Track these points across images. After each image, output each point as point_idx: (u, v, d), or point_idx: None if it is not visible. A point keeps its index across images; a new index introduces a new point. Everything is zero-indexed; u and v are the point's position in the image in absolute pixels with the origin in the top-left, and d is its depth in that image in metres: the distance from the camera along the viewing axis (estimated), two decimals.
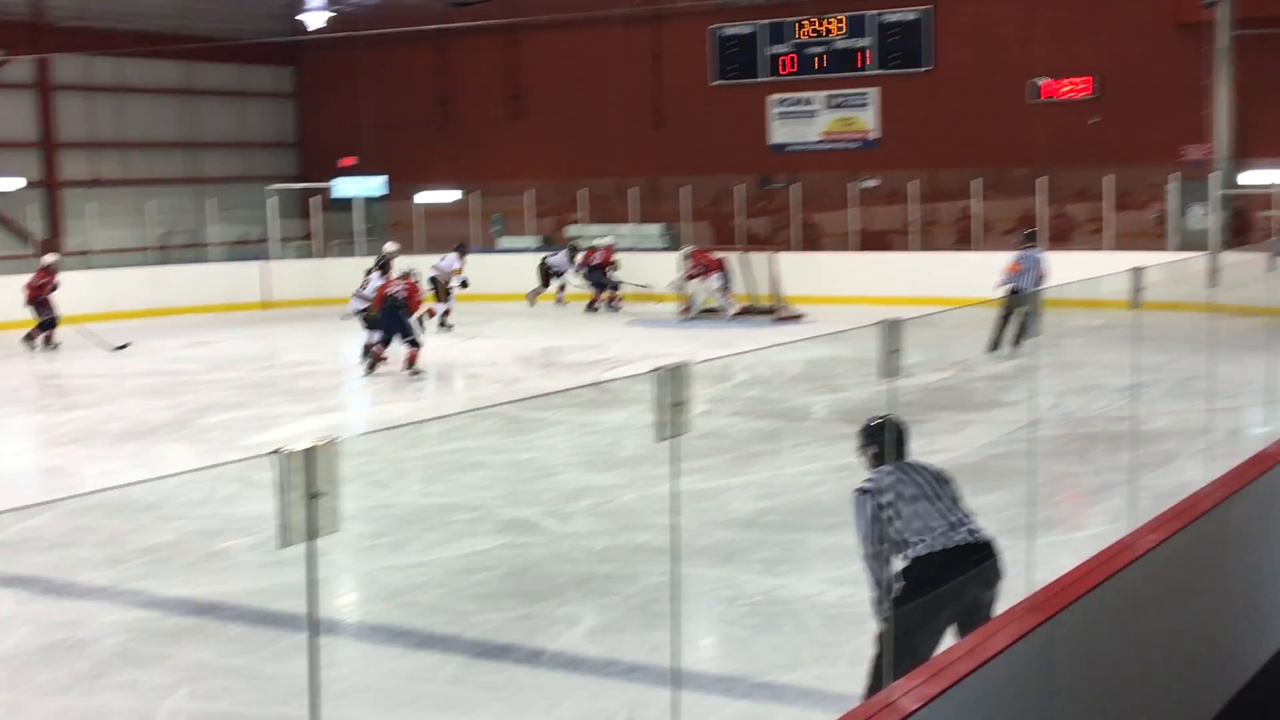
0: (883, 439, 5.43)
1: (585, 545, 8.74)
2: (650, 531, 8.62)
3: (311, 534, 2.60)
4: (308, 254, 27.66)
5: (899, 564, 5.26)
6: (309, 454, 2.57)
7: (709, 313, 21.26)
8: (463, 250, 22.15)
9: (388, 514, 9.55)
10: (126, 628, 7.40)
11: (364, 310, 17.14)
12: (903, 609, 5.20)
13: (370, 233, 27.72)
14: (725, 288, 21.20)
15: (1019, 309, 14.88)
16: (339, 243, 27.96)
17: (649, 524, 8.81)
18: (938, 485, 5.38)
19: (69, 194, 27.80)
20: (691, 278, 21.22)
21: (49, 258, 20.50)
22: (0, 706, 6.41)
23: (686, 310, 21.37)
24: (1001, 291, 15.73)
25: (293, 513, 2.56)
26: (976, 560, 5.25)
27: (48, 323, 19.53)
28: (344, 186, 27.64)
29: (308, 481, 2.57)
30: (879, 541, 5.22)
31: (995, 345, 15.47)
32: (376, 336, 16.45)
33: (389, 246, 19.13)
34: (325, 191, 27.98)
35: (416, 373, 16.10)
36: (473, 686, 6.37)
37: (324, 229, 27.87)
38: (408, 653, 6.86)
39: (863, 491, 5.30)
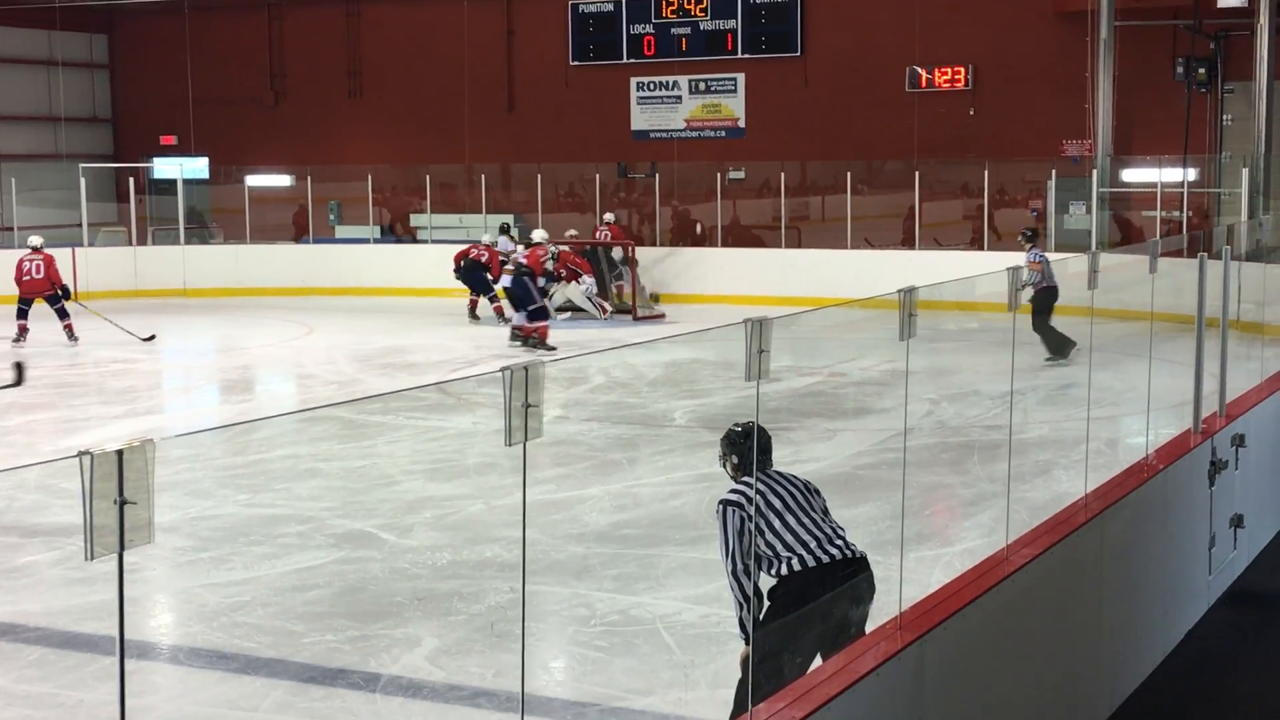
0: (747, 447, 5.41)
1: (427, 560, 8.67)
2: (498, 545, 8.61)
3: (121, 546, 2.53)
4: (124, 241, 27.00)
5: (767, 580, 5.29)
6: (119, 456, 2.50)
7: (575, 311, 21.18)
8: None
9: (208, 526, 9.38)
10: None
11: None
12: (769, 627, 5.24)
13: (192, 218, 27.21)
14: (596, 289, 21.15)
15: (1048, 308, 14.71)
16: (159, 229, 27.36)
17: (497, 537, 8.80)
18: (807, 497, 5.43)
19: None
20: (559, 279, 20.99)
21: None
22: None
23: (561, 310, 21.23)
24: (1030, 293, 15.18)
25: (101, 522, 2.48)
26: (848, 576, 5.30)
27: None
28: (164, 167, 27.09)
29: (118, 488, 2.50)
30: (745, 557, 5.22)
31: (1062, 346, 14.79)
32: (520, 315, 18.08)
33: (537, 234, 20.26)
34: (143, 173, 27.37)
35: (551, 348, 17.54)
36: (302, 714, 6.28)
37: (139, 213, 27.25)
38: (229, 678, 6.74)
39: (728, 503, 5.29)
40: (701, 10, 26.14)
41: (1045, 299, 15.11)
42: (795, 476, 5.54)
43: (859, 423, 13.06)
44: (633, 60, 26.79)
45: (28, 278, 18.70)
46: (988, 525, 8.29)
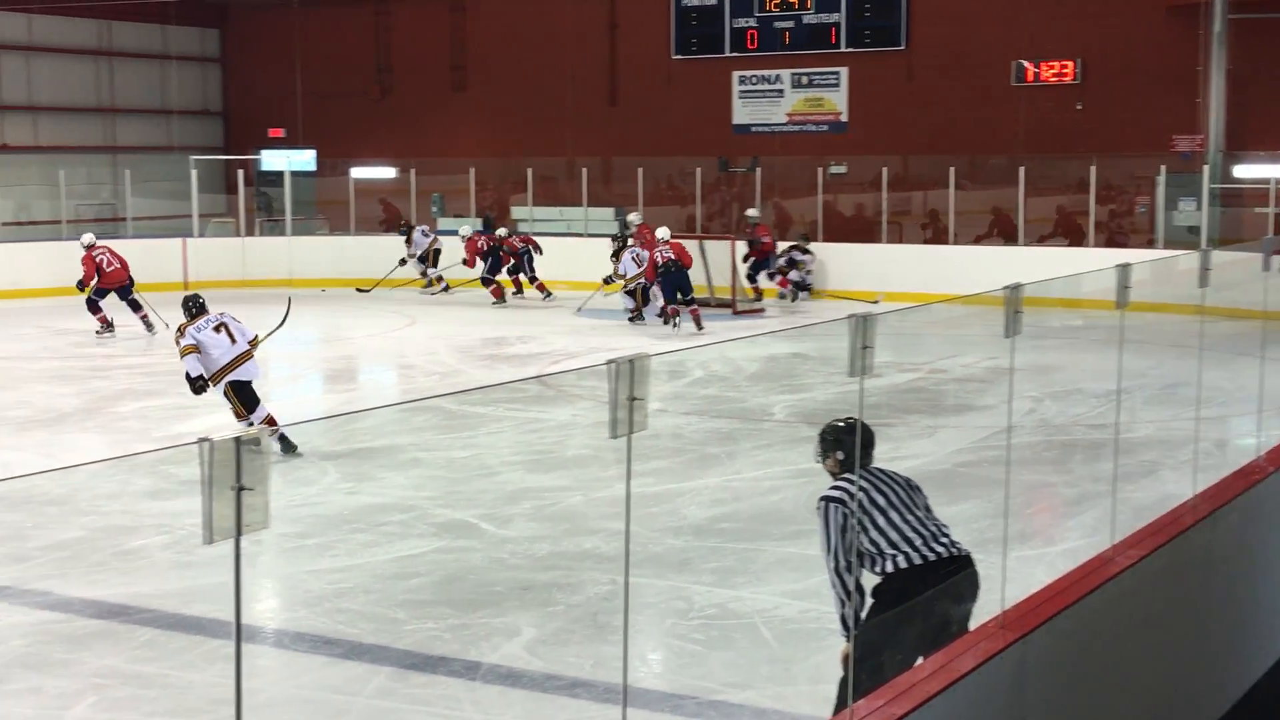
0: (850, 443, 5.39)
1: (527, 551, 8.73)
2: (597, 537, 8.64)
3: (239, 531, 2.59)
4: (232, 231, 27.42)
5: (870, 578, 5.27)
6: (237, 444, 2.56)
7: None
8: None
9: (312, 513, 9.51)
10: (29, 630, 7.35)
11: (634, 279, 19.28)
12: (871, 625, 5.21)
13: (298, 210, 27.57)
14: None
15: None
16: (266, 220, 27.76)
17: (595, 529, 8.84)
18: (910, 494, 5.39)
19: None
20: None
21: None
22: None
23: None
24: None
25: (219, 508, 2.54)
26: (951, 574, 5.26)
27: None
28: (272, 159, 27.47)
29: (236, 475, 2.55)
30: (848, 554, 5.19)
31: None
32: (655, 306, 19.20)
33: (633, 216, 21.50)
34: (252, 164, 27.79)
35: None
36: (403, 700, 6.36)
37: (250, 205, 27.67)
38: (333, 663, 6.82)
39: (830, 500, 5.26)
40: (805, 4, 26.01)
41: None
42: (896, 473, 5.51)
43: (960, 419, 12.95)
44: (735, 54, 26.74)
45: (112, 268, 18.90)
46: (1091, 525, 8.18)
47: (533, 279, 22.70)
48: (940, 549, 5.25)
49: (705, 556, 8.46)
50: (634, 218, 21.70)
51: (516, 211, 26.79)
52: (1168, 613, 6.15)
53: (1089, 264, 19.37)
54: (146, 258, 24.99)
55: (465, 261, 22.81)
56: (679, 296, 19.22)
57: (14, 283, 22.44)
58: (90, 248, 18.92)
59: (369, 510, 9.65)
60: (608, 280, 20.36)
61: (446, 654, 6.84)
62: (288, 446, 10.79)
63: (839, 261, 23.15)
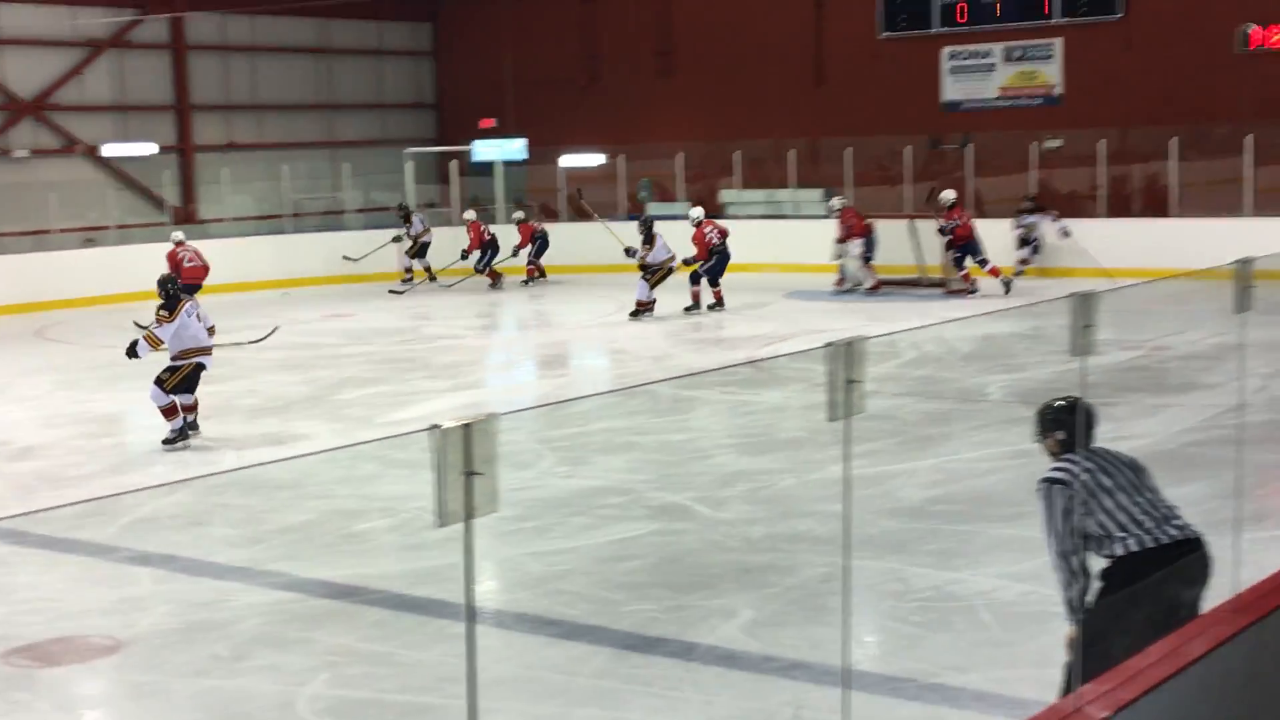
0: (1072, 423, 5.26)
1: (742, 533, 8.77)
2: (811, 519, 8.62)
3: (469, 515, 2.66)
4: (447, 221, 27.98)
5: (1098, 562, 5.16)
6: (466, 431, 2.63)
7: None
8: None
9: (530, 497, 9.66)
10: (265, 609, 7.64)
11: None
12: (1097, 608, 5.10)
13: (509, 199, 28.03)
14: (867, 257, 20.96)
15: None
16: (478, 209, 28.25)
17: (810, 511, 8.82)
18: (1136, 475, 5.25)
19: (203, 159, 28.54)
20: (840, 240, 20.99)
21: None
22: (141, 688, 6.67)
23: (841, 281, 21.21)
24: None
25: (450, 492, 2.62)
26: (1182, 556, 5.11)
27: None
28: (484, 150, 27.94)
29: (465, 459, 2.63)
30: (1073, 536, 5.07)
31: None
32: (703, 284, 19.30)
33: (835, 202, 21.59)
34: (464, 155, 28.31)
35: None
36: (622, 680, 6.44)
37: (462, 195, 28.22)
38: (553, 643, 6.95)
39: (1052, 481, 5.13)
40: None
41: None
42: (1121, 453, 5.37)
43: (1185, 398, 12.55)
44: (944, 29, 26.29)
45: (191, 263, 19.56)
46: None
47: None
48: (1173, 531, 5.10)
49: (922, 538, 8.38)
50: (836, 202, 21.52)
51: (724, 195, 26.79)
52: None
53: None
54: (367, 248, 25.75)
55: (465, 250, 23.72)
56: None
57: (243, 275, 23.27)
58: (178, 244, 19.97)
59: (585, 494, 9.78)
60: (630, 252, 20.11)
61: (664, 635, 6.91)
62: (182, 436, 11.64)
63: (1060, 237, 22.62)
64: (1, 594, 7.23)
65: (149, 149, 26.77)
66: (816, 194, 25.73)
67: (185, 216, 24.83)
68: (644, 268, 19.47)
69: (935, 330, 16.35)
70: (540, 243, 24.29)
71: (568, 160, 27.52)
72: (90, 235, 24.52)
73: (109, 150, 26.54)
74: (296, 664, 6.73)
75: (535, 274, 24.24)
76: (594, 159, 27.63)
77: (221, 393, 14.15)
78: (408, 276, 24.38)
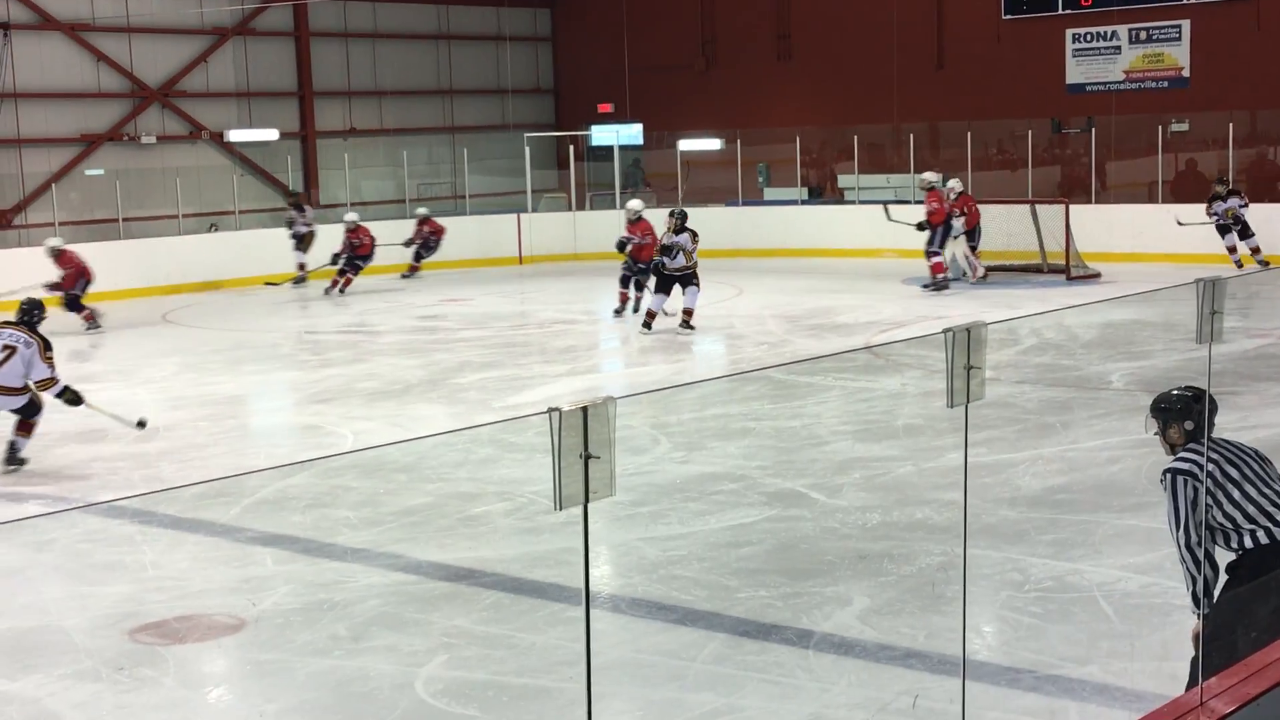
0: (1197, 413, 5.15)
1: (857, 520, 8.72)
2: (928, 508, 8.56)
3: (586, 498, 2.68)
4: (564, 206, 28.12)
5: (1224, 554, 5.06)
6: (584, 413, 2.65)
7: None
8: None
9: (646, 482, 9.70)
10: (384, 591, 7.75)
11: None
12: (1223, 600, 5.00)
13: (628, 183, 28.08)
14: (973, 245, 20.64)
15: None
16: (595, 194, 28.37)
17: (927, 499, 8.75)
18: (1263, 466, 5.13)
19: (325, 145, 28.96)
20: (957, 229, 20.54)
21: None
22: (264, 666, 6.80)
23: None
24: None
25: (567, 475, 2.64)
26: None
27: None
28: (601, 135, 28.03)
29: (582, 443, 2.64)
30: (1200, 528, 4.98)
31: None
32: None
33: (953, 183, 20.83)
34: (582, 140, 28.41)
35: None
36: (738, 666, 6.44)
37: (578, 180, 28.32)
38: (668, 628, 6.96)
39: (1178, 472, 5.01)
40: None
41: None
42: (1244, 444, 5.27)
43: None
44: (1069, 11, 25.86)
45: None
46: None
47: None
48: None
49: (1041, 528, 8.28)
50: (954, 184, 21.21)
51: (843, 180, 26.65)
52: None
53: None
54: (485, 233, 26.03)
55: (336, 254, 22.05)
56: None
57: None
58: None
59: (700, 479, 9.79)
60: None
61: (779, 622, 6.90)
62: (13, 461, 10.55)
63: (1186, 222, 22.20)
64: (128, 572, 7.40)
65: (271, 135, 27.25)
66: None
67: (308, 200, 25.13)
68: (658, 270, 17.03)
69: (1056, 316, 16.13)
70: (428, 242, 23.78)
71: (685, 145, 27.51)
72: (214, 220, 25.00)
73: (233, 136, 27.05)
74: (414, 645, 6.82)
75: (411, 271, 23.76)
76: (711, 144, 27.61)
77: (343, 375, 14.43)
78: (301, 274, 23.00)
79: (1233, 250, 20.23)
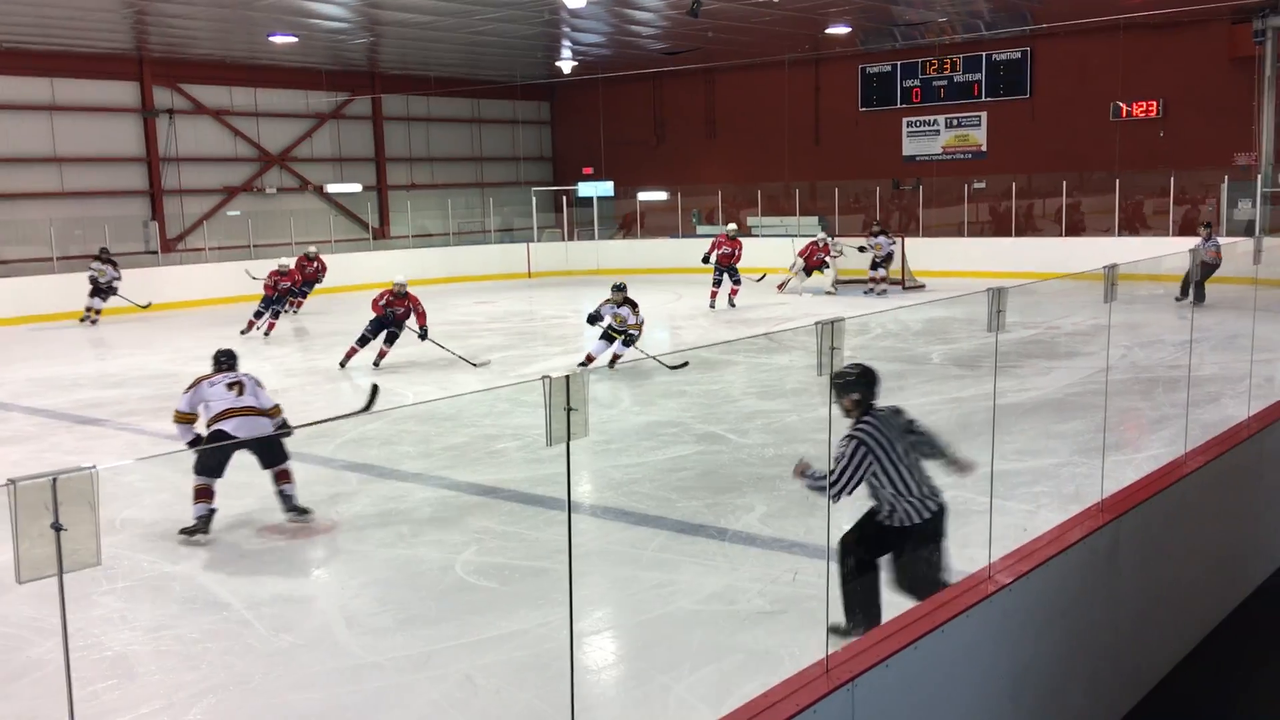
0: (863, 385, 4.47)
1: (759, 453, 8.73)
2: (807, 444, 8.55)
3: (568, 437, 2.67)
4: (559, 238, 28.07)
5: (864, 503, 4.51)
6: (567, 381, 2.64)
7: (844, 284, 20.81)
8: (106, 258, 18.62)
9: (614, 427, 9.69)
10: (433, 502, 7.71)
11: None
12: (857, 545, 4.47)
13: (602, 222, 27.99)
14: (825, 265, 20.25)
15: None
16: (580, 229, 28.31)
17: (806, 438, 8.75)
18: (906, 443, 4.48)
19: (393, 195, 28.72)
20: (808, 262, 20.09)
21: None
22: (351, 555, 6.76)
23: (781, 286, 20.48)
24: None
25: (555, 422, 2.63)
26: (930, 526, 4.44)
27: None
28: (585, 189, 27.92)
29: (567, 400, 2.64)
30: (854, 485, 4.31)
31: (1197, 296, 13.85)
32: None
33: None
34: (571, 192, 28.30)
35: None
36: (676, 553, 6.44)
37: (570, 221, 28.25)
38: (628, 528, 6.95)
39: (859, 441, 4.32)
40: (955, 68, 25.04)
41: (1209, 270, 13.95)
42: (900, 412, 4.49)
43: (1069, 363, 12.35)
44: (904, 105, 25.90)
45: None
46: (1169, 438, 7.73)
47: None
48: (929, 508, 4.40)
49: None
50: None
51: (751, 220, 26.61)
52: (1228, 501, 5.79)
53: (1170, 248, 18.06)
54: (504, 256, 25.86)
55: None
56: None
57: (421, 274, 23.18)
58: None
59: (651, 425, 9.77)
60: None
61: (704, 523, 6.90)
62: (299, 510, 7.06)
63: (982, 250, 22.35)
64: (252, 490, 7.32)
65: (356, 188, 26.97)
66: (814, 220, 25.52)
67: (381, 235, 24.94)
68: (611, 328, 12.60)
69: (894, 314, 16.16)
70: (305, 287, 19.55)
71: (643, 195, 27.47)
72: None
73: (330, 189, 26.75)
74: (454, 539, 6.80)
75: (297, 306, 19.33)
76: (660, 195, 27.54)
77: (406, 353, 14.30)
78: (95, 315, 18.50)
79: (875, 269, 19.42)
